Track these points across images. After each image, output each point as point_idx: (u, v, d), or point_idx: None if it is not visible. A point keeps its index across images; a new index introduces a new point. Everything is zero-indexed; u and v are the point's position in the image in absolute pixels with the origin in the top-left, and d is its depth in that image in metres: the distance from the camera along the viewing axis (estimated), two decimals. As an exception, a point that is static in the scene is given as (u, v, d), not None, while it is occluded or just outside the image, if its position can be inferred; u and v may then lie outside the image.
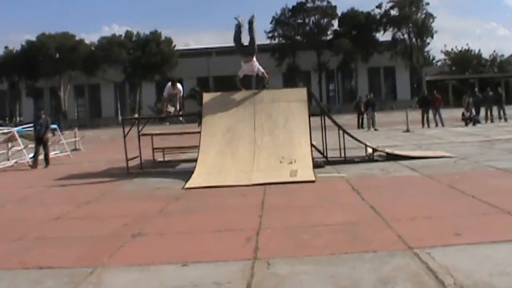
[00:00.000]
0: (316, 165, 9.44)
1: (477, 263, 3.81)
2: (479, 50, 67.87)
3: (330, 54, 58.05)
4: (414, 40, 60.89)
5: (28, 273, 4.23)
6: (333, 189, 7.70)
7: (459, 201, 6.24)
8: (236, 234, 5.13)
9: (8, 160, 14.48)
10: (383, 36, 60.66)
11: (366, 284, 3.55)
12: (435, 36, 61.30)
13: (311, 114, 10.31)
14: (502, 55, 68.87)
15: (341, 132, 10.59)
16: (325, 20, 61.79)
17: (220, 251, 4.56)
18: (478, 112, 23.25)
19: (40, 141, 13.64)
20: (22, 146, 14.58)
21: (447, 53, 68.49)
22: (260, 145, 9.62)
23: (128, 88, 61.86)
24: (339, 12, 61.58)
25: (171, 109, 12.01)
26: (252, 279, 3.77)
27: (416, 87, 58.48)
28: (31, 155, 13.91)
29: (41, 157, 13.66)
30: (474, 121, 21.69)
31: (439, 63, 70.49)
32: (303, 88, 11.82)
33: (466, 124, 21.35)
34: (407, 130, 19.68)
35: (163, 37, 60.06)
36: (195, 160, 9.61)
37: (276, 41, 61.21)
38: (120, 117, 50.29)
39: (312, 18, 61.72)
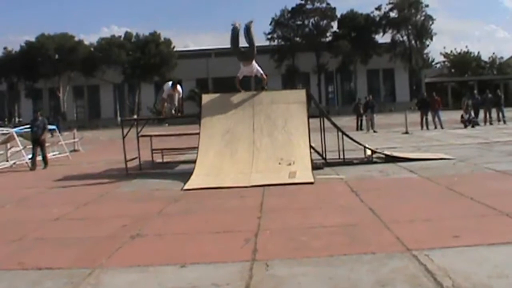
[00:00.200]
0: (315, 167, 9.45)
1: (476, 265, 3.81)
2: (478, 52, 68.01)
3: (329, 56, 57.97)
4: (413, 42, 60.83)
5: (27, 273, 4.24)
6: (332, 190, 7.70)
7: (457, 203, 6.25)
8: (235, 236, 5.13)
9: (7, 161, 14.49)
10: (383, 38, 60.67)
11: (365, 285, 3.56)
12: (434, 38, 61.32)
13: (310, 116, 10.32)
14: (501, 57, 68.93)
15: (340, 134, 10.62)
16: (325, 21, 61.73)
17: (218, 253, 4.56)
18: (477, 114, 23.30)
19: (37, 142, 13.65)
20: (21, 147, 14.58)
21: (446, 55, 68.51)
22: (259, 146, 9.62)
23: (127, 89, 61.72)
24: (338, 14, 61.58)
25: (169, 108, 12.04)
26: (251, 281, 3.77)
27: (415, 89, 58.45)
28: (30, 156, 13.91)
29: (39, 158, 13.66)
30: (473, 123, 21.73)
31: (438, 65, 70.49)
32: (302, 90, 11.85)
33: (465, 126, 21.36)
34: (406, 132, 19.68)
35: (162, 38, 59.90)
36: (194, 162, 9.62)
37: (276, 42, 61.11)
38: (119, 118, 50.15)
39: (312, 20, 61.61)
